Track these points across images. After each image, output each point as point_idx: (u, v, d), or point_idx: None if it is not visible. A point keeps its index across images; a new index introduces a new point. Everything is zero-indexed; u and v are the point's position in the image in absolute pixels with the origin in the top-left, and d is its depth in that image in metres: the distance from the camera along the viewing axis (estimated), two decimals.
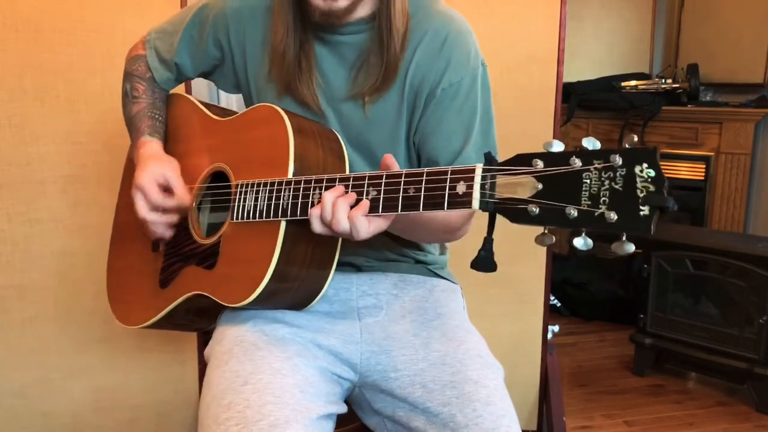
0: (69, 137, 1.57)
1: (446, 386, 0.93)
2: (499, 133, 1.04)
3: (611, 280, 3.02)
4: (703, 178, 3.17)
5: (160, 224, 1.06)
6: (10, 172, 1.56)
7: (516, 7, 1.67)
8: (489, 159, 0.72)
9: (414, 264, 1.12)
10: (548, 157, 0.68)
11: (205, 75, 1.18)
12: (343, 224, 0.81)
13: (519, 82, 1.71)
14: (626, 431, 2.11)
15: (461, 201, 0.73)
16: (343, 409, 0.98)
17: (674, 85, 3.26)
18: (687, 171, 3.21)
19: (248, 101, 1.13)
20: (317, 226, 0.85)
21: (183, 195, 1.04)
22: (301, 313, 1.02)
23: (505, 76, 1.70)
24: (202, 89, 1.62)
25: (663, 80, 3.29)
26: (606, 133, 3.36)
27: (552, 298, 2.38)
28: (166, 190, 1.04)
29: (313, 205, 0.85)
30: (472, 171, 0.73)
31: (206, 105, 1.16)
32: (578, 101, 3.34)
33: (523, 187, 0.69)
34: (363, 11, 0.99)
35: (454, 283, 1.16)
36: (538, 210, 0.68)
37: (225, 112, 1.15)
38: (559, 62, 1.69)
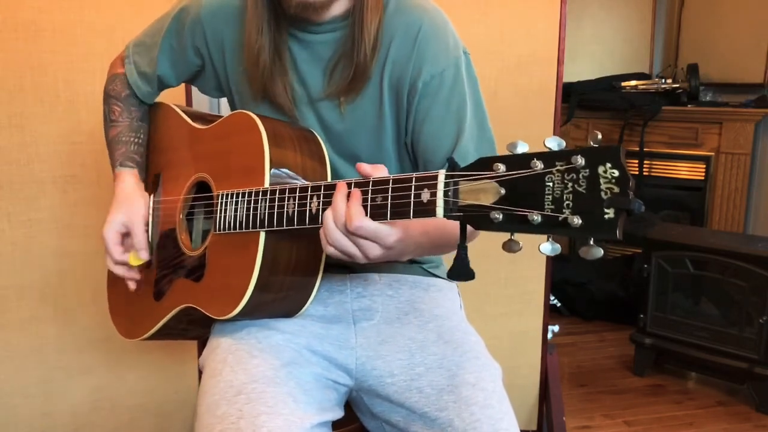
0: (69, 137, 1.57)
1: (443, 390, 0.91)
2: (499, 134, 1.02)
3: (611, 280, 3.02)
4: (703, 178, 3.17)
5: (128, 279, 1.09)
6: (10, 172, 1.56)
7: (516, 7, 1.67)
8: (452, 164, 0.70)
9: (409, 264, 1.11)
10: (510, 160, 0.65)
11: (189, 81, 1.17)
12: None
13: (519, 82, 1.71)
14: (626, 431, 2.11)
15: (426, 209, 0.71)
16: (339, 414, 0.97)
17: (674, 85, 3.26)
18: (687, 171, 3.21)
19: (231, 104, 1.12)
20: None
21: (141, 248, 1.06)
22: (294, 319, 1.01)
23: (505, 76, 1.70)
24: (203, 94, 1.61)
25: (663, 80, 3.29)
26: (606, 133, 3.35)
27: (552, 298, 2.38)
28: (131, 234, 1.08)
29: (288, 215, 0.84)
30: (435, 178, 0.70)
31: (188, 112, 1.15)
32: (578, 101, 3.34)
33: (486, 193, 0.66)
34: (338, 8, 0.97)
35: (450, 281, 1.15)
36: (501, 216, 0.65)
37: (207, 118, 1.14)
38: (559, 62, 1.69)
